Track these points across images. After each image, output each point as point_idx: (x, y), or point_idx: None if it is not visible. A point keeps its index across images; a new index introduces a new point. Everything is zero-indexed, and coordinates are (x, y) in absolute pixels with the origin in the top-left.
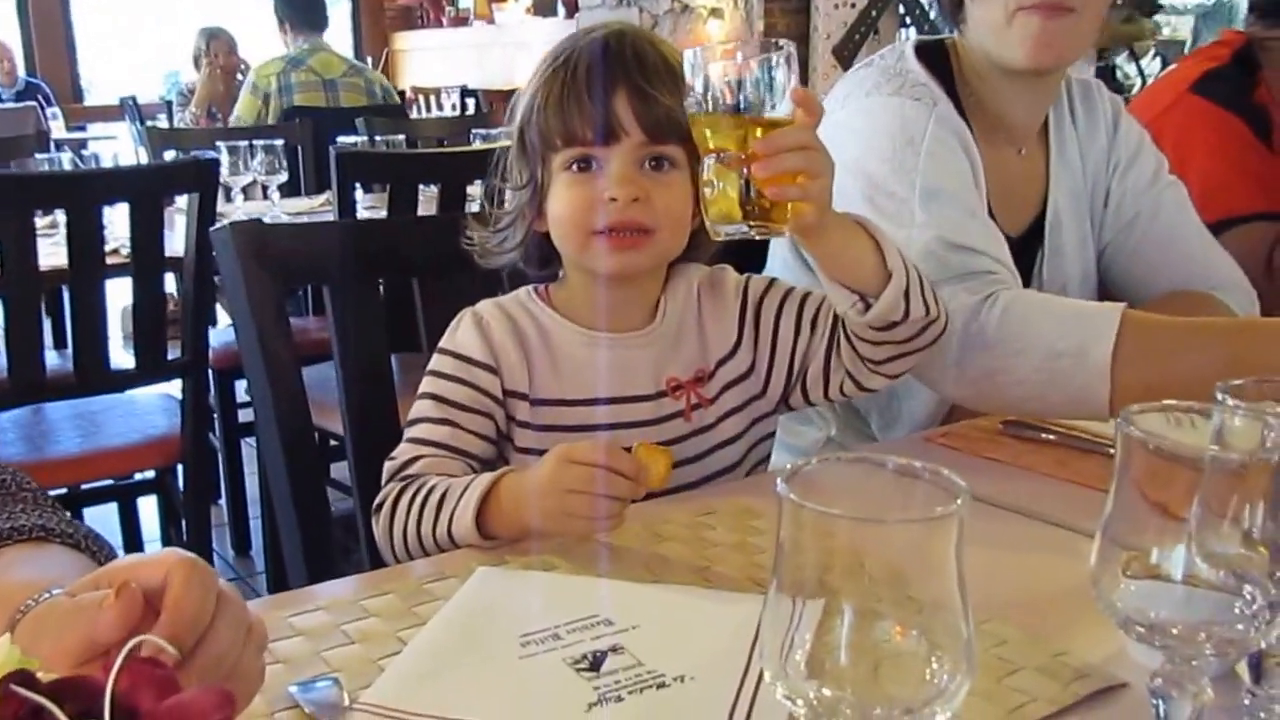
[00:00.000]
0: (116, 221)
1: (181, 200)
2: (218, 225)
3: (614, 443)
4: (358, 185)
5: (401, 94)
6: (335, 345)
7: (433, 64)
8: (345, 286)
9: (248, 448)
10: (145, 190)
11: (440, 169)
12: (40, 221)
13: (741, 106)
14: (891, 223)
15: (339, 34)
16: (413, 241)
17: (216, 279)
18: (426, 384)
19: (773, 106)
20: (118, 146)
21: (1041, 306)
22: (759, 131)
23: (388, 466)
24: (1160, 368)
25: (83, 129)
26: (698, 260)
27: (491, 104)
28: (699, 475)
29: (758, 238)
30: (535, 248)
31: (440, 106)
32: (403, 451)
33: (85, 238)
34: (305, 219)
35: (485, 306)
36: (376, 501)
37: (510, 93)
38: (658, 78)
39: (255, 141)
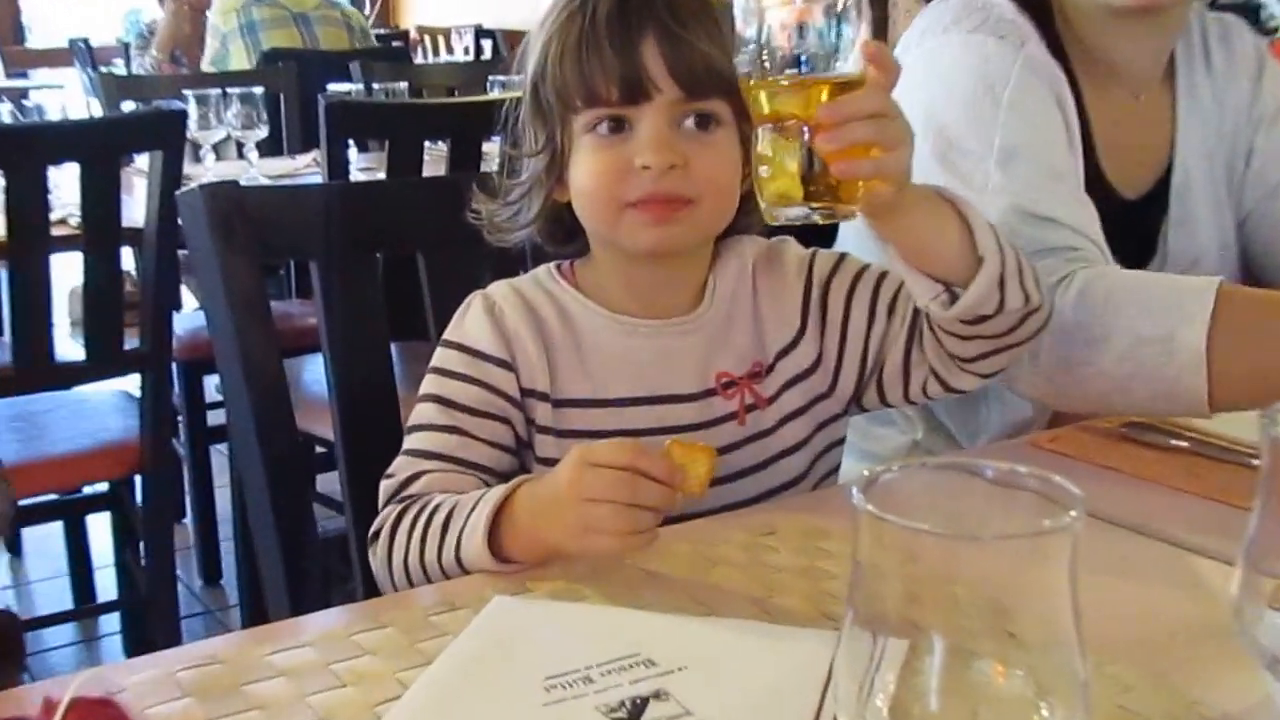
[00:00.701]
0: (64, 185)
1: (141, 160)
2: (184, 189)
3: (644, 443)
4: (351, 142)
5: (404, 35)
6: (324, 332)
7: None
8: (336, 262)
9: (219, 456)
10: (98, 148)
11: (450, 122)
12: None
13: (803, 65)
14: (964, 185)
15: None
16: (417, 207)
17: (183, 254)
18: (428, 384)
19: (840, 64)
20: (66, 98)
21: (1125, 286)
22: (824, 95)
23: (384, 487)
24: (1270, 352)
25: (24, 76)
26: (751, 231)
27: (512, 47)
28: (757, 490)
29: (822, 221)
30: (555, 221)
31: (450, 50)
32: (401, 467)
33: (26, 205)
34: (289, 183)
35: (498, 289)
36: (373, 529)
37: None
38: (694, 20)
39: (229, 90)
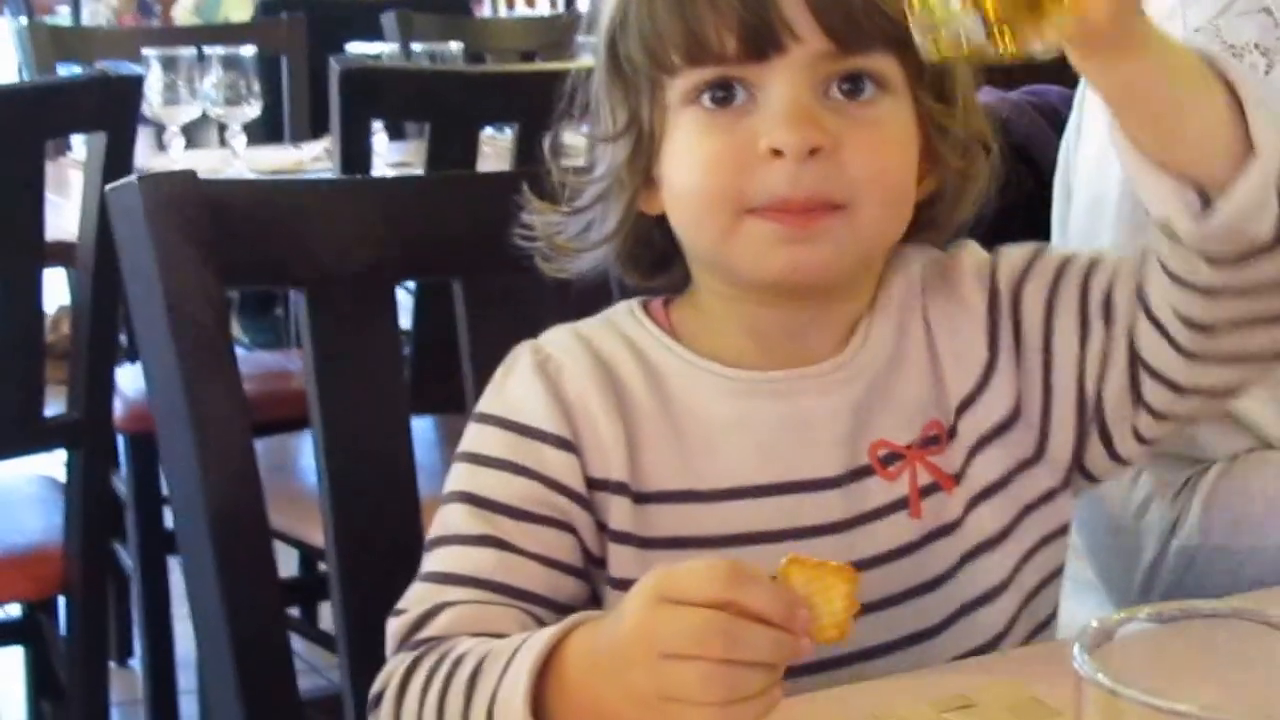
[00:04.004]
0: None
1: (80, 147)
2: (120, 182)
3: (752, 559)
4: (379, 125)
5: None
6: (313, 398)
7: None
8: (334, 293)
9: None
10: (12, 127)
11: (517, 100)
12: None
13: None
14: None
15: None
16: (453, 214)
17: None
18: (456, 477)
19: None
20: None
21: None
22: None
23: (394, 627)
24: None
25: None
26: (931, 242)
27: None
28: (938, 614)
29: (1006, 58)
30: (641, 242)
31: (531, 3)
32: (417, 599)
33: None
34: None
35: (556, 338)
36: (376, 687)
37: None
38: None
39: (208, 51)
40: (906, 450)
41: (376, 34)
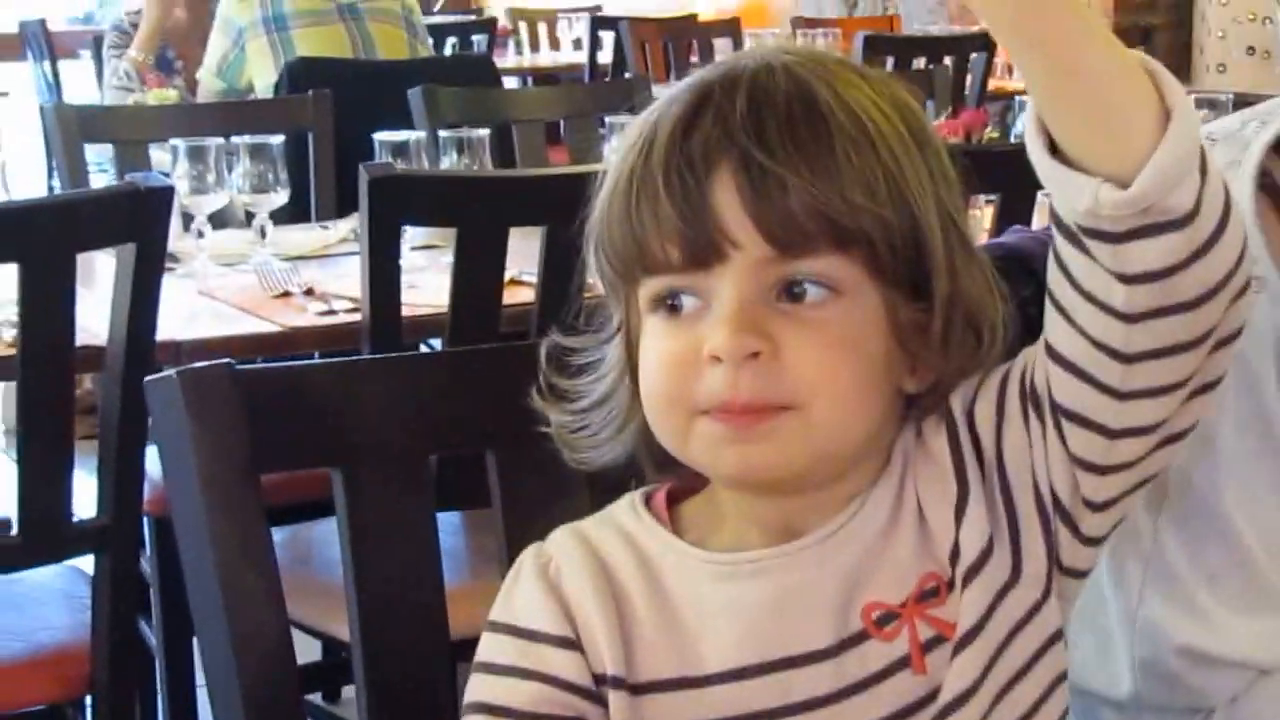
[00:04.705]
0: None
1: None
2: (159, 375)
3: None
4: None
5: (490, 24)
6: (349, 568)
7: None
8: (368, 470)
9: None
10: (45, 240)
11: (544, 200)
12: None
13: None
14: None
15: None
16: (488, 387)
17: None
18: (473, 688)
19: None
20: (11, 114)
21: None
22: None
23: None
24: None
25: None
26: (928, 413)
27: (641, 44)
28: None
29: None
30: (649, 437)
31: (555, 44)
32: None
33: None
34: (316, 266)
35: (558, 540)
36: None
37: (682, 22)
38: (791, 145)
39: (236, 141)
40: (901, 609)
41: (401, 105)
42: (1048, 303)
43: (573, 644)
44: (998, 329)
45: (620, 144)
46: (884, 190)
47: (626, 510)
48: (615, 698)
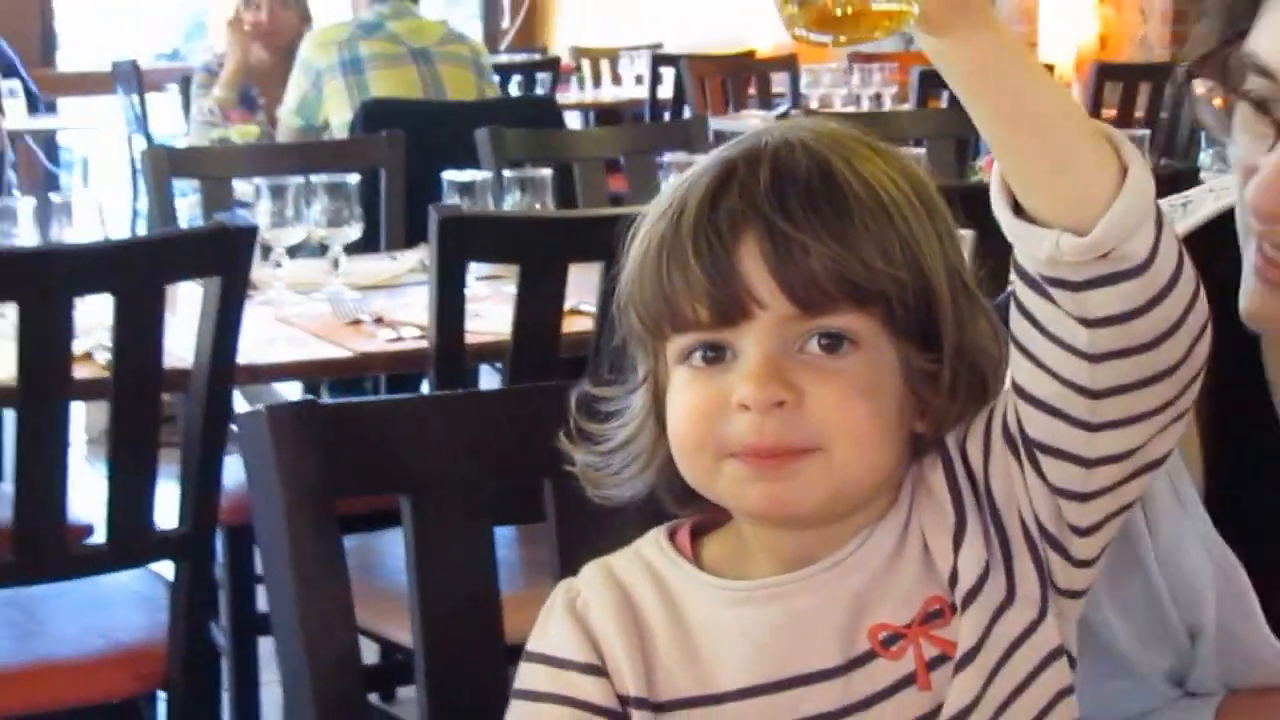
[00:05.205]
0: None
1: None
2: (250, 410)
3: None
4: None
5: (554, 63)
6: (414, 588)
7: (606, 10)
8: (433, 498)
9: (267, 648)
10: (139, 274)
11: (603, 238)
12: None
13: None
14: None
15: None
16: (544, 420)
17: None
18: (512, 712)
19: None
20: (102, 143)
21: None
22: None
23: None
24: None
25: (52, 110)
26: (928, 450)
27: (700, 80)
28: None
29: (846, 42)
30: (672, 476)
31: (617, 79)
32: None
33: (44, 344)
34: (385, 295)
35: (588, 575)
36: None
37: (740, 59)
38: (812, 214)
39: (314, 180)
40: (906, 630)
41: (468, 144)
42: (1012, 347)
43: (599, 670)
44: (1001, 373)
45: (650, 212)
46: (898, 254)
47: (651, 544)
48: (639, 716)
